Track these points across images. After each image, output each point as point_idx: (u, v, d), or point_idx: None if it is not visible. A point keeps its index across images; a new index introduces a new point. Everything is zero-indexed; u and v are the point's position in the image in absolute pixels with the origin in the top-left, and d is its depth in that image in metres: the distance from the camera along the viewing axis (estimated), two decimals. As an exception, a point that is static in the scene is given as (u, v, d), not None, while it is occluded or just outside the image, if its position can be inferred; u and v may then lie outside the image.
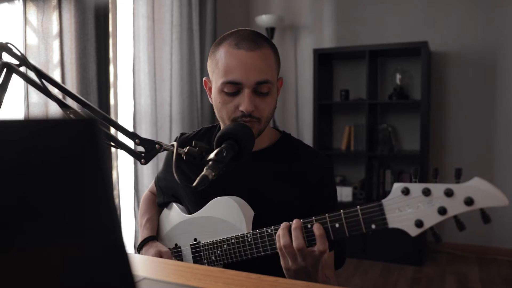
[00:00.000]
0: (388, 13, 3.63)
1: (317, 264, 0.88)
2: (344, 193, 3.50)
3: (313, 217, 0.87)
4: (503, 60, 3.35)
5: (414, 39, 3.45)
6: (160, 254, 1.08)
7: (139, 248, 1.16)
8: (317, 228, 0.85)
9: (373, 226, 0.80)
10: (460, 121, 3.51)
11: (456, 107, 3.52)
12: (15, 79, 0.91)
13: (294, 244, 0.85)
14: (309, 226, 0.87)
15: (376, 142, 3.55)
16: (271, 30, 3.70)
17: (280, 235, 0.88)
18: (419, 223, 0.75)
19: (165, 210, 1.23)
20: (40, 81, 0.92)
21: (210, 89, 1.09)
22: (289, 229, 0.88)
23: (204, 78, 1.11)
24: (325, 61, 3.68)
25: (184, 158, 0.94)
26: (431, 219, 0.74)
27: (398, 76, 3.51)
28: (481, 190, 0.70)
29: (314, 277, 0.89)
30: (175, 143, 0.94)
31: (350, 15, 3.77)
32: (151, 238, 1.16)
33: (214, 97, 1.04)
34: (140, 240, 1.17)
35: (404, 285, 2.88)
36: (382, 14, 3.65)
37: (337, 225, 0.84)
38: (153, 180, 1.35)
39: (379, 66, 3.66)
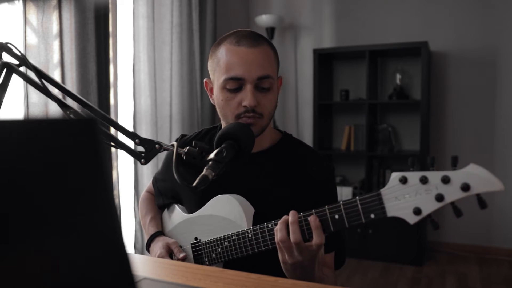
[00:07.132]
0: (388, 13, 3.63)
1: (314, 259, 0.88)
2: (344, 193, 3.50)
3: (313, 210, 0.87)
4: (503, 60, 3.34)
5: (414, 39, 3.45)
6: (167, 246, 1.09)
7: (147, 245, 1.16)
8: (313, 220, 0.85)
9: (372, 216, 0.80)
10: (460, 121, 3.51)
11: (456, 107, 3.52)
12: (15, 79, 0.91)
13: (292, 238, 0.85)
14: (308, 219, 0.87)
15: (376, 142, 3.55)
16: (271, 30, 3.70)
17: (278, 229, 0.88)
18: (417, 211, 0.76)
19: (166, 211, 1.23)
20: (40, 81, 0.92)
21: (211, 89, 1.10)
22: (287, 224, 0.87)
23: (205, 80, 1.12)
24: (325, 61, 3.68)
25: (184, 158, 0.94)
26: (429, 206, 0.75)
27: (398, 76, 3.51)
28: (477, 176, 0.71)
29: (310, 272, 0.89)
30: (175, 143, 0.95)
31: (350, 15, 3.77)
32: (158, 234, 1.16)
33: (216, 96, 1.05)
34: (146, 238, 1.18)
35: (404, 285, 2.88)
36: (382, 14, 3.65)
37: (336, 216, 0.84)
38: (151, 181, 1.35)
39: (379, 66, 3.66)
